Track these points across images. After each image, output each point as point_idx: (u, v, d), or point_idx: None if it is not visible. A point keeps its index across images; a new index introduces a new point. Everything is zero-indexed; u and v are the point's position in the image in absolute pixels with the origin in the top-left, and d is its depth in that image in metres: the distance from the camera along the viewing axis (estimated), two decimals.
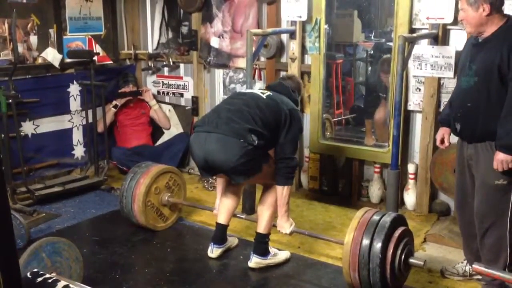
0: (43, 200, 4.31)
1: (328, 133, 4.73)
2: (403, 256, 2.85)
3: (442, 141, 3.16)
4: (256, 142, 2.96)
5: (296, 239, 3.74)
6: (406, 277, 3.00)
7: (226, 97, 3.60)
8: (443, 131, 3.14)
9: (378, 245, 2.77)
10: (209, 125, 3.07)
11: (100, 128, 4.88)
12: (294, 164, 3.11)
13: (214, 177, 4.03)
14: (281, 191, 3.11)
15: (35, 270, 2.44)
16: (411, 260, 2.92)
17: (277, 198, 3.18)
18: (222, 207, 3.43)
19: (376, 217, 2.90)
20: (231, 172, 3.01)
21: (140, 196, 3.71)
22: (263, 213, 3.26)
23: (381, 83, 4.71)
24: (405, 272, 2.95)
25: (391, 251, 2.80)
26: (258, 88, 3.32)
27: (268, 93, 3.21)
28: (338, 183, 4.54)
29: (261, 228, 3.27)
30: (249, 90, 3.39)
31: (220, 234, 3.45)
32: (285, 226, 3.24)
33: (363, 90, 5.87)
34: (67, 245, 2.78)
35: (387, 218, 2.88)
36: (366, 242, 2.80)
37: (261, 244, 3.29)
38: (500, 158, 2.68)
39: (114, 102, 5.09)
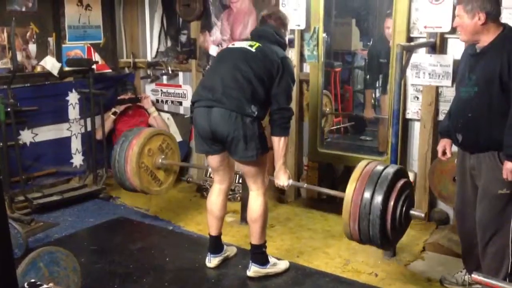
0: (41, 209, 4.29)
1: (328, 109, 4.71)
2: (404, 208, 2.78)
3: (444, 153, 3.16)
4: (256, 113, 2.98)
5: (295, 248, 3.74)
6: (405, 230, 2.95)
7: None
8: (444, 143, 3.14)
9: (379, 196, 2.70)
10: (207, 100, 3.05)
11: (99, 135, 4.88)
12: (289, 114, 3.08)
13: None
14: (278, 143, 3.06)
15: (33, 280, 2.42)
16: (412, 212, 2.85)
17: (262, 205, 3.18)
18: (211, 219, 3.38)
19: (379, 168, 2.83)
20: (233, 143, 3.03)
21: (133, 157, 3.66)
22: (254, 225, 3.22)
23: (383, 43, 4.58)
24: (405, 224, 2.89)
25: (392, 202, 2.73)
26: (246, 41, 3.16)
27: (257, 45, 3.10)
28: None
29: (255, 239, 3.25)
30: (238, 45, 3.19)
31: (214, 244, 3.43)
32: (282, 178, 3.18)
33: (361, 97, 5.88)
34: (65, 255, 2.77)
35: (390, 170, 2.82)
36: (368, 192, 2.73)
37: (258, 254, 3.28)
38: (509, 168, 2.67)
39: (113, 109, 5.09)
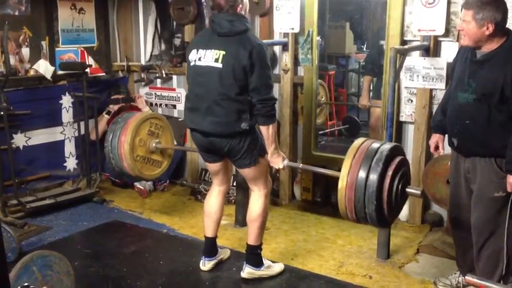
0: (34, 212, 4.27)
1: (323, 99, 4.70)
2: (400, 186, 2.72)
3: (436, 148, 3.16)
4: (248, 125, 2.98)
5: (289, 251, 3.73)
6: (401, 208, 2.90)
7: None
8: (436, 138, 3.14)
9: (375, 173, 2.64)
10: (198, 125, 3.08)
11: (93, 136, 4.86)
12: (272, 102, 2.99)
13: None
14: (266, 131, 3.01)
15: (26, 284, 2.40)
16: (408, 190, 2.79)
17: (262, 206, 3.19)
18: (208, 220, 3.39)
19: (375, 145, 2.76)
20: (230, 153, 3.07)
21: (127, 155, 3.67)
22: (251, 225, 3.24)
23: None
24: (402, 202, 2.83)
25: (389, 180, 2.66)
26: (211, 52, 2.98)
27: (222, 55, 2.95)
28: (331, 194, 4.53)
29: (251, 240, 3.25)
30: (204, 63, 3.01)
31: (209, 247, 3.42)
32: (277, 161, 3.14)
33: (355, 100, 5.89)
34: (58, 259, 2.75)
35: (386, 146, 2.74)
36: (363, 170, 2.66)
37: (253, 256, 3.28)
38: None
39: (107, 109, 5.06)
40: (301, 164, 3.43)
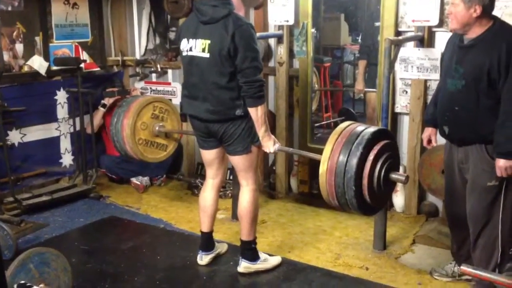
0: (30, 209, 4.26)
1: (316, 86, 4.72)
2: (383, 171, 2.61)
3: (429, 142, 3.17)
4: (242, 111, 3.00)
5: (286, 244, 3.74)
6: (388, 195, 2.82)
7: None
8: (429, 132, 3.15)
9: (354, 157, 2.54)
10: (196, 111, 3.13)
11: (89, 129, 4.85)
12: (259, 83, 2.95)
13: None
14: (255, 113, 2.97)
15: (23, 282, 2.42)
16: (392, 175, 2.66)
17: (251, 201, 3.19)
18: (203, 214, 3.39)
19: (359, 129, 2.67)
20: (223, 138, 3.10)
21: (128, 138, 3.70)
22: (243, 221, 3.24)
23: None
24: (387, 189, 2.72)
25: (370, 164, 2.56)
26: (199, 43, 2.98)
27: (208, 44, 2.95)
28: None
29: (244, 235, 3.26)
30: (194, 54, 3.03)
31: (206, 241, 3.43)
32: (268, 145, 3.11)
33: (351, 93, 5.90)
34: (55, 255, 2.76)
35: (370, 130, 2.65)
36: (343, 154, 2.57)
37: (248, 250, 3.29)
38: (502, 165, 2.67)
39: (102, 102, 5.04)
40: (291, 148, 3.42)
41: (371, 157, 2.58)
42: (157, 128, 3.83)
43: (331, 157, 2.62)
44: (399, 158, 2.82)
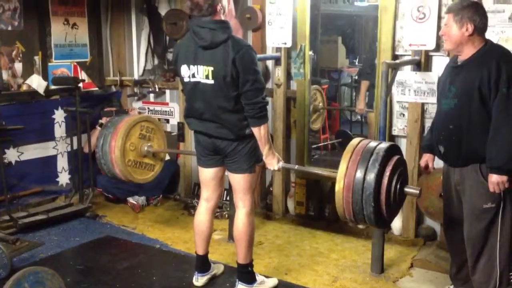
0: (26, 228, 4.23)
1: (320, 105, 4.72)
2: (398, 185, 2.69)
3: (426, 167, 3.19)
4: (250, 130, 3.03)
5: (283, 266, 3.72)
6: (399, 208, 2.86)
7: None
8: (426, 158, 3.18)
9: (372, 173, 2.59)
10: (203, 129, 3.13)
11: (86, 148, 4.84)
12: (260, 105, 2.96)
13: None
14: (258, 132, 3.01)
15: None
16: (406, 189, 2.75)
17: (247, 224, 3.17)
18: (198, 237, 3.36)
19: (371, 145, 2.73)
20: (229, 155, 3.11)
21: (118, 160, 3.67)
22: (239, 243, 3.21)
23: None
24: (400, 202, 2.79)
25: (387, 179, 2.62)
26: (202, 70, 2.97)
27: (211, 70, 2.94)
28: (325, 208, 4.53)
29: (241, 259, 3.23)
30: (197, 80, 3.01)
31: (201, 263, 3.40)
32: (272, 163, 3.14)
33: (348, 115, 5.93)
34: (50, 275, 2.73)
35: (383, 146, 2.71)
36: (360, 171, 2.62)
37: (244, 274, 3.26)
38: (494, 181, 2.70)
39: (99, 121, 5.04)
40: (297, 166, 3.43)
41: (387, 172, 2.65)
42: (145, 148, 3.80)
43: (347, 174, 2.66)
44: (407, 172, 2.88)
